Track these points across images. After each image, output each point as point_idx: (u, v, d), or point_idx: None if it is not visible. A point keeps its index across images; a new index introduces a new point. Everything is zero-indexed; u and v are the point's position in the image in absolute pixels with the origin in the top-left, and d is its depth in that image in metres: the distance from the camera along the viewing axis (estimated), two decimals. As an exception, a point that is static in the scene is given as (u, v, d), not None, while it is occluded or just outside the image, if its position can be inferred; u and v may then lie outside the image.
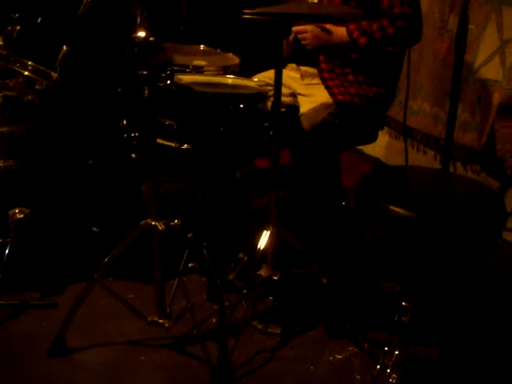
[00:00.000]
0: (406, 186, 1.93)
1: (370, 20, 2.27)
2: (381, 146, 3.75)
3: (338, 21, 2.32)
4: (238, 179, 2.95)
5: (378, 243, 2.76)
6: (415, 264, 1.97)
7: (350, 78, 2.38)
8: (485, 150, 2.86)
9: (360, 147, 3.91)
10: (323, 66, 2.40)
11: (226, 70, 2.51)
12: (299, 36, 2.37)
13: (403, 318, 1.91)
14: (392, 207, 1.68)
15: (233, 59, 2.70)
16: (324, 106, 2.32)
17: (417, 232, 1.66)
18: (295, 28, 2.37)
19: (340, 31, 2.33)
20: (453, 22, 3.08)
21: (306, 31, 2.35)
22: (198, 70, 2.45)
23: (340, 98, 2.33)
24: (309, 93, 2.41)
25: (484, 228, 1.70)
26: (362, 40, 2.28)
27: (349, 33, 2.30)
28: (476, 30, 2.86)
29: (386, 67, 2.43)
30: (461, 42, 2.39)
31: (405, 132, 3.28)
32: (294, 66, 2.54)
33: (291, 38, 2.51)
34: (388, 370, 1.87)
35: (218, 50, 2.81)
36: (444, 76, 3.15)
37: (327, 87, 2.36)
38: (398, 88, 2.59)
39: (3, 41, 2.18)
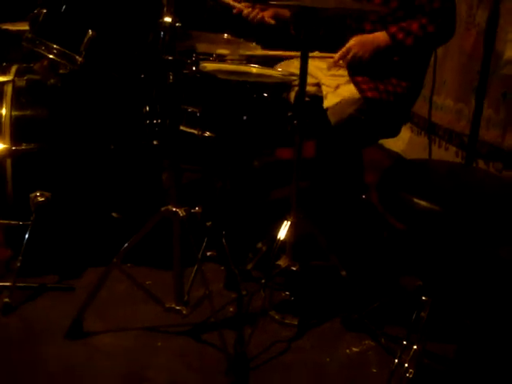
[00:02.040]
0: (430, 180, 1.91)
1: (406, 18, 2.24)
2: (402, 141, 3.72)
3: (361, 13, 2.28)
4: (257, 169, 2.94)
5: (398, 237, 2.74)
6: (437, 258, 1.95)
7: (379, 72, 2.34)
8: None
9: (381, 142, 3.89)
10: None
11: (249, 59, 2.50)
12: (349, 57, 2.25)
13: (422, 313, 1.89)
14: (416, 200, 1.66)
15: (256, 48, 2.69)
16: (350, 101, 2.29)
17: (440, 225, 1.64)
18: (337, 55, 2.28)
19: (378, 34, 2.27)
20: (481, 17, 3.05)
21: (349, 48, 2.25)
22: (222, 58, 2.44)
23: (369, 94, 2.30)
24: (333, 84, 2.37)
25: (508, 223, 1.68)
26: (409, 40, 2.22)
27: (392, 35, 2.23)
28: (504, 24, 2.81)
29: (415, 61, 2.39)
30: (490, 37, 2.35)
31: (429, 127, 3.24)
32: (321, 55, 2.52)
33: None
34: (406, 365, 1.85)
35: (241, 39, 2.80)
36: (469, 71, 3.11)
37: (356, 83, 2.32)
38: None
39: (29, 24, 2.18)
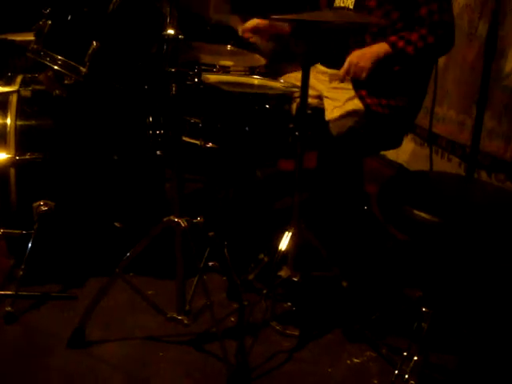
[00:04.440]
0: (431, 191, 1.92)
1: (405, 28, 2.26)
2: (404, 152, 3.73)
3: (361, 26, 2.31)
4: (260, 180, 2.95)
5: (399, 248, 2.75)
6: (438, 269, 1.95)
7: (382, 87, 2.35)
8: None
9: (383, 153, 3.89)
10: None
11: (252, 71, 2.52)
12: (350, 74, 2.23)
13: (423, 324, 1.90)
14: (417, 212, 1.67)
15: (259, 60, 2.71)
16: (352, 113, 2.31)
17: (441, 237, 1.64)
18: (341, 72, 2.25)
19: (377, 45, 2.26)
20: (482, 29, 3.06)
21: (350, 62, 2.22)
22: (225, 69, 2.46)
23: (374, 108, 2.32)
24: (335, 97, 2.39)
25: (510, 234, 1.68)
26: (410, 49, 2.21)
27: (392, 44, 2.22)
28: (506, 37, 2.83)
29: (416, 75, 2.41)
30: (490, 49, 2.37)
31: (430, 138, 3.26)
32: (322, 68, 2.53)
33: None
34: (406, 376, 1.85)
35: (245, 50, 2.82)
36: (472, 83, 3.13)
37: (361, 97, 2.34)
38: (425, 94, 2.58)
39: (34, 35, 2.21)
